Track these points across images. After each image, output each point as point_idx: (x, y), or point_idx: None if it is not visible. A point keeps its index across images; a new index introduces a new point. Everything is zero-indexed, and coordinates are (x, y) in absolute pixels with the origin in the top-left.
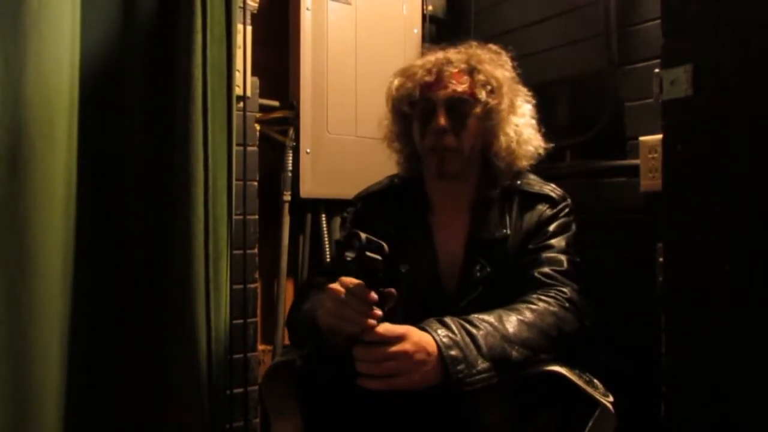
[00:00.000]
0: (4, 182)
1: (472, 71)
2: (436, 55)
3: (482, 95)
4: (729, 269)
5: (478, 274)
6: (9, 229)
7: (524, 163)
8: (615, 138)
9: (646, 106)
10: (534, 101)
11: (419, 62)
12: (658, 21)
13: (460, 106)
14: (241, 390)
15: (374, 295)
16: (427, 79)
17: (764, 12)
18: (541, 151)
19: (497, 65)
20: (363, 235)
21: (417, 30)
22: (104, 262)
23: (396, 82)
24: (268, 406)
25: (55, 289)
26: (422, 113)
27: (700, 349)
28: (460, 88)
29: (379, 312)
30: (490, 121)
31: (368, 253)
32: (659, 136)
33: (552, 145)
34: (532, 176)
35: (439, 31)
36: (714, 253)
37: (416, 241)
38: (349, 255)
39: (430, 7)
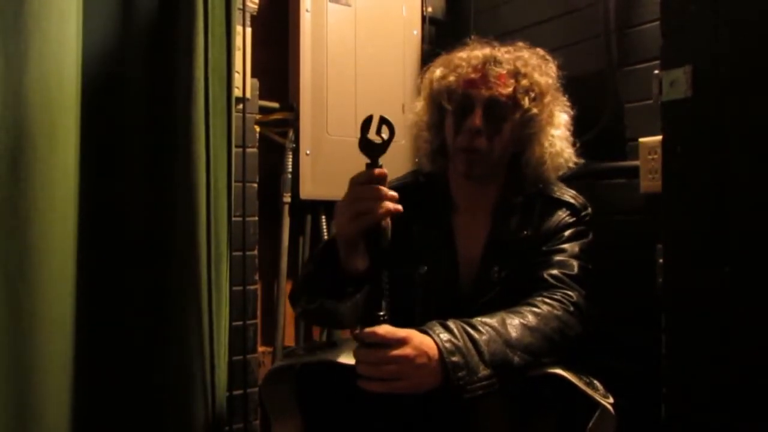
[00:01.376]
0: (5, 183)
1: (517, 75)
2: (483, 51)
3: (524, 102)
4: (729, 271)
5: (496, 275)
6: (10, 230)
7: (552, 175)
8: (615, 139)
9: (646, 107)
10: (572, 112)
11: (464, 55)
12: (658, 22)
13: (499, 109)
14: (240, 392)
15: (381, 170)
16: (472, 75)
17: (763, 13)
18: (571, 164)
19: (543, 72)
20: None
21: (416, 31)
22: (105, 264)
23: (438, 72)
24: (268, 408)
25: (56, 290)
26: (459, 109)
27: (700, 351)
28: (503, 90)
29: (393, 194)
30: (527, 129)
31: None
32: (659, 138)
33: (583, 161)
34: (555, 182)
35: (439, 32)
36: (714, 254)
37: (437, 241)
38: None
39: (429, 9)
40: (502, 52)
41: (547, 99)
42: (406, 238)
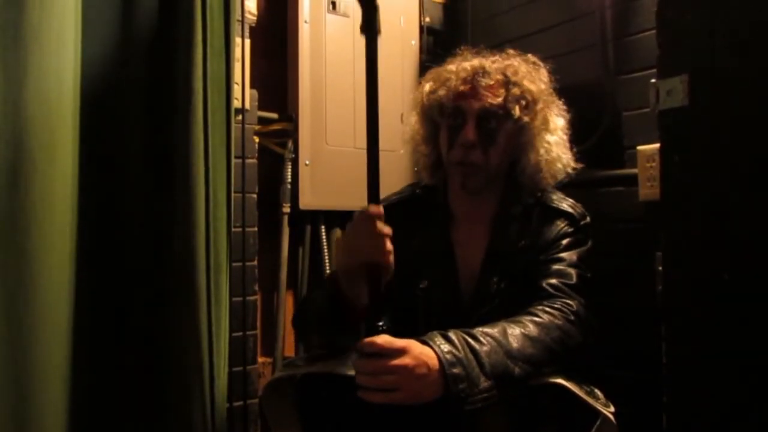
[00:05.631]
0: (4, 195)
1: (507, 84)
2: (472, 63)
3: (516, 111)
4: (728, 278)
5: (495, 286)
6: (9, 241)
7: (550, 182)
8: (613, 147)
9: (644, 115)
10: (568, 115)
11: (453, 68)
12: (655, 31)
13: (491, 120)
14: (240, 403)
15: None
16: (462, 88)
17: (759, 22)
18: (570, 170)
19: (534, 79)
20: None
21: (414, 42)
22: (104, 275)
23: (427, 86)
24: (268, 420)
25: (54, 301)
26: (452, 123)
27: (701, 359)
28: (493, 101)
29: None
30: (521, 137)
31: None
32: (657, 145)
33: (582, 165)
34: (553, 190)
35: (437, 42)
36: (712, 262)
37: (437, 255)
38: None
39: (427, 19)
40: (491, 62)
41: (540, 106)
42: (406, 252)
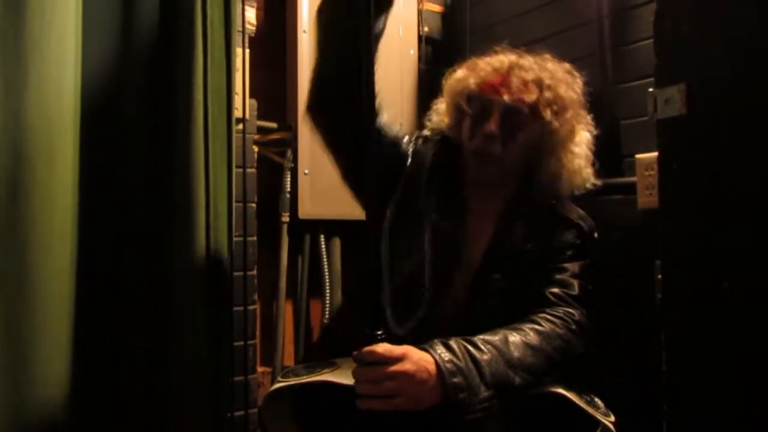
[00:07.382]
0: (4, 205)
1: (541, 85)
2: (509, 57)
3: (546, 114)
4: (727, 286)
5: (495, 285)
6: (9, 251)
7: (566, 192)
8: (611, 156)
9: (642, 123)
10: (595, 131)
11: (488, 59)
12: (652, 40)
13: (517, 117)
14: (241, 413)
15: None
16: (493, 78)
17: (755, 31)
18: (589, 185)
19: (568, 86)
20: None
21: (413, 51)
22: (104, 285)
23: (459, 73)
24: (268, 429)
25: (55, 313)
26: (477, 112)
27: (700, 367)
28: (525, 98)
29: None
30: (545, 142)
31: None
32: (655, 154)
33: (600, 182)
34: (566, 200)
35: (435, 51)
36: (712, 270)
37: (445, 233)
38: None
39: (426, 29)
40: (529, 61)
41: (569, 114)
42: (415, 212)
